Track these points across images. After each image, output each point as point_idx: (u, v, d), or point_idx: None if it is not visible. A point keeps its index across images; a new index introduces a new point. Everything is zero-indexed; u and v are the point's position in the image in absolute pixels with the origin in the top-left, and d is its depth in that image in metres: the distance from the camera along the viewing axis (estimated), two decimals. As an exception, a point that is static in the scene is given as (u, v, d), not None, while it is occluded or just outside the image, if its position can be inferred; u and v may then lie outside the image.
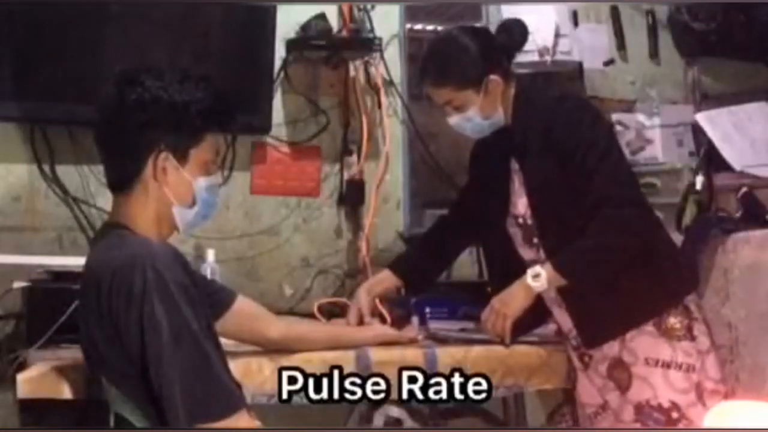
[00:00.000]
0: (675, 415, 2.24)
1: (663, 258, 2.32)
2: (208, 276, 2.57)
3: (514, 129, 2.37)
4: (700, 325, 2.30)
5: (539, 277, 2.26)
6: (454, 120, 2.38)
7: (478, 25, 3.22)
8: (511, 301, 2.30)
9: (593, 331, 2.33)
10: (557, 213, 2.30)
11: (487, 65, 2.32)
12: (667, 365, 2.25)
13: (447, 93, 2.34)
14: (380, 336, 2.37)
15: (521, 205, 2.38)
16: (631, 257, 2.25)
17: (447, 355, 2.35)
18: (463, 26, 2.47)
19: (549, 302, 2.41)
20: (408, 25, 3.26)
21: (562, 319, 2.41)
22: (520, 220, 2.40)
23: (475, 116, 2.35)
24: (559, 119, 2.29)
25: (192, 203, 1.86)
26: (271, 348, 2.23)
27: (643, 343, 2.27)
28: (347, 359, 2.27)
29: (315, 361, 2.24)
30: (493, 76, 2.32)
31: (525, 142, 2.33)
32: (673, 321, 2.27)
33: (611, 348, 2.31)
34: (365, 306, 2.46)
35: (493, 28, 2.47)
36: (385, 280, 2.53)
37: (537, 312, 2.38)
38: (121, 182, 1.84)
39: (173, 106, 1.79)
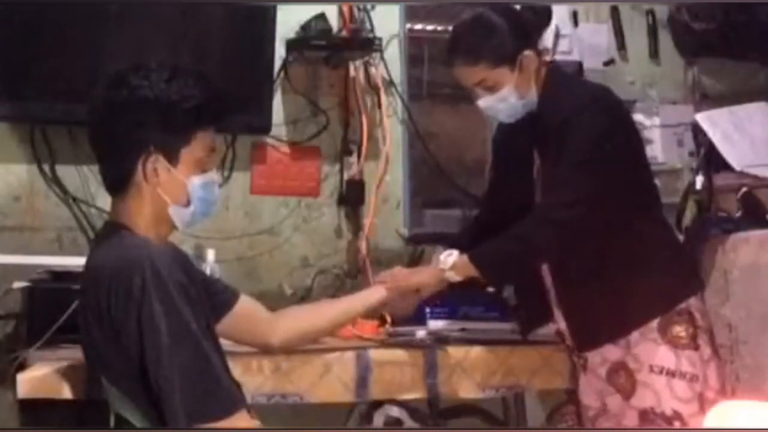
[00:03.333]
0: (677, 424, 2.22)
1: (659, 262, 2.29)
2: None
3: (539, 119, 2.30)
4: (704, 333, 2.28)
5: (450, 263, 2.26)
6: (486, 102, 2.29)
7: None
8: (420, 282, 2.31)
9: (586, 335, 2.34)
10: None
11: (521, 41, 2.26)
12: (671, 374, 2.23)
13: (480, 71, 2.26)
14: (392, 290, 2.29)
15: (539, 196, 2.35)
16: (625, 261, 2.25)
17: (447, 355, 2.35)
18: (491, 5, 2.34)
19: (551, 300, 2.40)
20: (408, 25, 3.26)
21: (560, 319, 2.41)
22: None
23: (509, 96, 2.27)
24: (576, 127, 2.21)
25: (187, 202, 1.84)
26: (272, 353, 2.22)
27: (648, 350, 2.25)
28: (347, 359, 2.27)
29: (315, 360, 2.24)
30: (527, 52, 2.25)
31: (546, 135, 2.28)
32: (679, 329, 2.25)
33: (612, 352, 2.30)
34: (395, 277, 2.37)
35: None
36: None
37: (546, 308, 2.39)
38: (116, 184, 1.84)
39: (160, 106, 1.77)
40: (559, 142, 2.22)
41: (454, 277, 2.28)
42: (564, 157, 2.21)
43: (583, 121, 2.22)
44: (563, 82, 2.35)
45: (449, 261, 2.28)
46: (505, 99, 2.28)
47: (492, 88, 2.27)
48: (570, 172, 2.21)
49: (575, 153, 2.20)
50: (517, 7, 2.37)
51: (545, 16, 2.37)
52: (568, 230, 2.20)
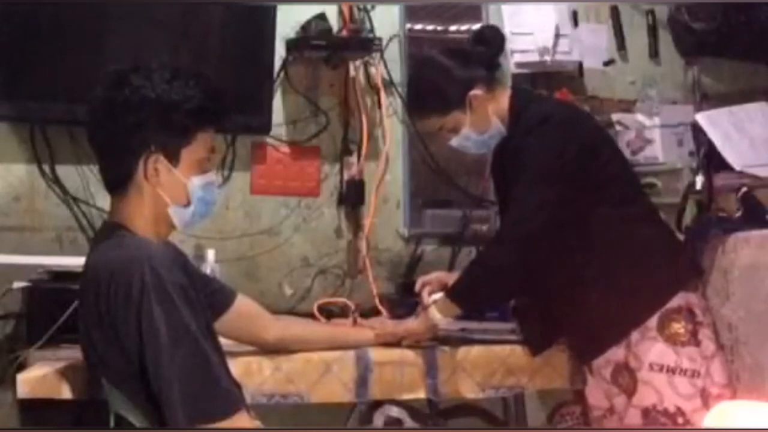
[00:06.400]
0: (680, 420, 2.23)
1: (647, 258, 2.30)
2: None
3: (511, 141, 2.37)
4: (705, 329, 2.29)
5: (432, 303, 2.32)
6: (454, 142, 2.39)
7: (477, 26, 3.23)
8: (407, 329, 2.37)
9: (583, 347, 2.38)
10: None
11: (466, 82, 2.32)
12: (671, 371, 2.24)
13: (435, 121, 2.36)
14: (380, 336, 2.37)
15: None
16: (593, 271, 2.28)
17: (447, 355, 2.35)
18: (439, 50, 2.45)
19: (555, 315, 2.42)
20: (408, 25, 3.26)
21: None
22: None
23: (470, 134, 2.35)
24: (524, 148, 2.28)
25: (187, 203, 1.84)
26: (268, 349, 2.23)
27: (648, 349, 2.26)
28: (347, 359, 2.27)
29: (315, 360, 2.25)
30: (474, 92, 2.32)
31: (513, 157, 2.33)
32: (677, 326, 2.26)
33: (615, 353, 2.31)
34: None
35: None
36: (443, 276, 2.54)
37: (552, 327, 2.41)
38: (116, 183, 1.84)
39: (161, 106, 1.77)
40: (516, 165, 2.29)
41: (438, 317, 2.31)
42: (515, 178, 2.27)
43: (529, 142, 2.27)
44: (525, 105, 2.37)
45: (431, 300, 2.35)
46: (467, 138, 2.37)
47: (454, 130, 2.36)
48: (519, 192, 2.27)
49: (524, 172, 2.26)
50: (478, 33, 2.45)
51: (497, 44, 2.41)
52: (523, 247, 2.23)
